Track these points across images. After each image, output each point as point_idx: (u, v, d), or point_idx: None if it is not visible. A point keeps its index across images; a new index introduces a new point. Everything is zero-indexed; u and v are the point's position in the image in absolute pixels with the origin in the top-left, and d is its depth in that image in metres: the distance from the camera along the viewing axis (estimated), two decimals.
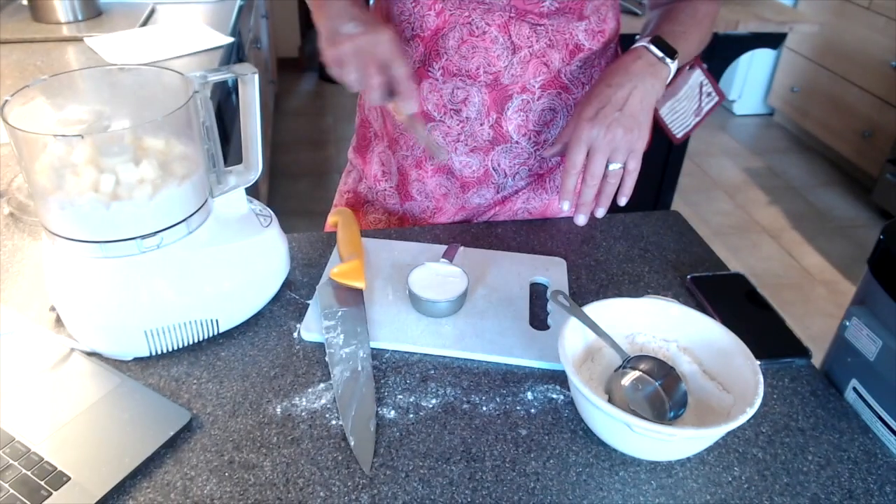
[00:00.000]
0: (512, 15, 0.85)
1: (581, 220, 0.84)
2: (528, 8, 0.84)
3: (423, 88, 0.92)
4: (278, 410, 0.68)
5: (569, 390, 0.71)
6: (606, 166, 0.81)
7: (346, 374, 0.71)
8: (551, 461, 0.64)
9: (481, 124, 0.93)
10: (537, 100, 0.92)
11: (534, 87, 0.91)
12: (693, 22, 0.88)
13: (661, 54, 0.82)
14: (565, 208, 0.83)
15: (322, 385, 0.70)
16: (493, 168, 0.97)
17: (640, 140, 0.80)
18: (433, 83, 0.91)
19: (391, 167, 1.04)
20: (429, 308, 0.79)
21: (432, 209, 1.03)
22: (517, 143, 0.95)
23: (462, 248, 0.90)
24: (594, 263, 0.91)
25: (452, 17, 0.86)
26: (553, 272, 0.87)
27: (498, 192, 1.01)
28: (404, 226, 1.06)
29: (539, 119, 0.94)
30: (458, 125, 0.93)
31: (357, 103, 1.10)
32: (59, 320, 0.75)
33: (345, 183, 1.13)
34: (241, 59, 1.89)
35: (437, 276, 0.81)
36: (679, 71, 0.87)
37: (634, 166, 0.82)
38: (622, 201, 0.83)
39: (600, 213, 0.84)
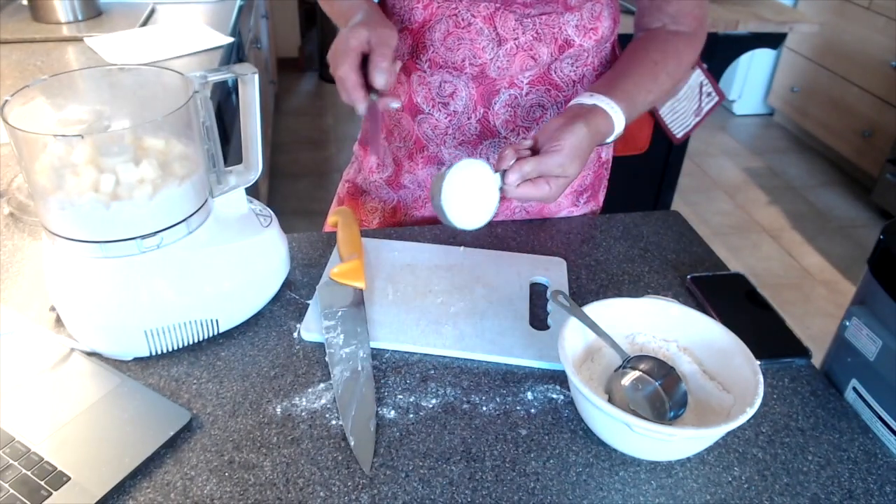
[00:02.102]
0: (497, 6, 0.86)
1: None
2: None
3: (412, 81, 0.93)
4: (278, 410, 0.68)
5: (569, 390, 0.71)
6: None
7: (346, 374, 0.71)
8: (551, 461, 0.64)
9: (468, 118, 0.93)
10: (525, 95, 0.92)
11: (521, 82, 0.91)
12: (670, 83, 0.87)
13: (608, 141, 0.81)
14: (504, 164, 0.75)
15: (322, 385, 0.70)
16: None
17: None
18: (421, 76, 0.92)
19: (387, 159, 1.05)
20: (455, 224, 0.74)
21: (424, 198, 1.04)
22: (505, 138, 0.95)
23: (462, 248, 0.90)
24: (594, 263, 0.91)
25: (439, 10, 0.87)
26: (553, 272, 0.87)
27: None
28: (397, 214, 1.08)
29: (527, 115, 0.94)
30: (445, 118, 0.94)
31: None
32: (59, 320, 0.75)
33: (347, 173, 1.16)
34: (241, 59, 1.89)
35: (470, 182, 0.73)
36: None
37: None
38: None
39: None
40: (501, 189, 0.74)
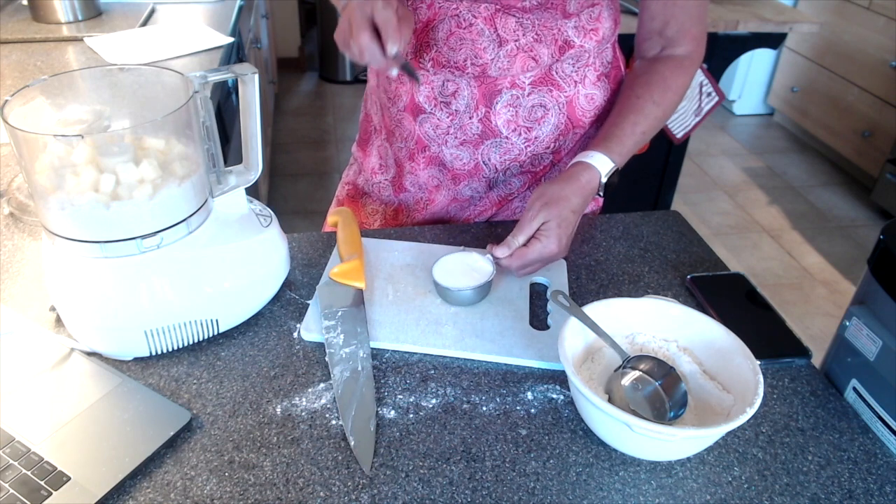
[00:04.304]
0: (498, 7, 0.86)
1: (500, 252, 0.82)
2: (511, 3, 0.86)
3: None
4: (278, 410, 0.68)
5: (569, 390, 0.71)
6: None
7: (346, 374, 0.71)
8: (551, 461, 0.64)
9: (470, 117, 0.94)
10: (527, 95, 0.92)
11: (523, 82, 0.91)
12: (659, 110, 0.91)
13: (601, 192, 0.87)
14: (498, 254, 0.82)
15: (322, 385, 0.70)
16: (483, 162, 0.98)
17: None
18: (424, 75, 0.92)
19: (388, 159, 1.05)
20: (454, 297, 0.80)
21: (425, 200, 1.04)
22: (507, 138, 0.95)
23: (462, 248, 0.90)
24: (594, 263, 0.91)
25: (442, 10, 0.88)
26: (553, 272, 0.87)
27: (491, 188, 1.02)
28: (399, 217, 1.08)
29: (529, 115, 0.94)
30: (447, 118, 0.94)
31: (362, 100, 1.12)
32: (59, 320, 0.75)
33: (346, 175, 1.16)
34: (241, 59, 1.89)
35: (463, 264, 0.83)
36: None
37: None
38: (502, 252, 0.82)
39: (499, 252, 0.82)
40: (498, 267, 0.82)
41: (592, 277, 0.89)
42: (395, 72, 0.78)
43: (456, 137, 0.96)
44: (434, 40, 0.90)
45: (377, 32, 0.75)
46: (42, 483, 0.58)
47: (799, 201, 3.12)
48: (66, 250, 0.67)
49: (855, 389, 0.71)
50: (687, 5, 0.90)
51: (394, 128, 1.01)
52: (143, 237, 0.67)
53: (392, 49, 0.75)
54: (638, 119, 0.89)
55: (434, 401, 0.69)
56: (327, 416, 0.67)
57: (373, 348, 0.75)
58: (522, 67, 0.90)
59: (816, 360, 0.77)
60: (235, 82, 0.83)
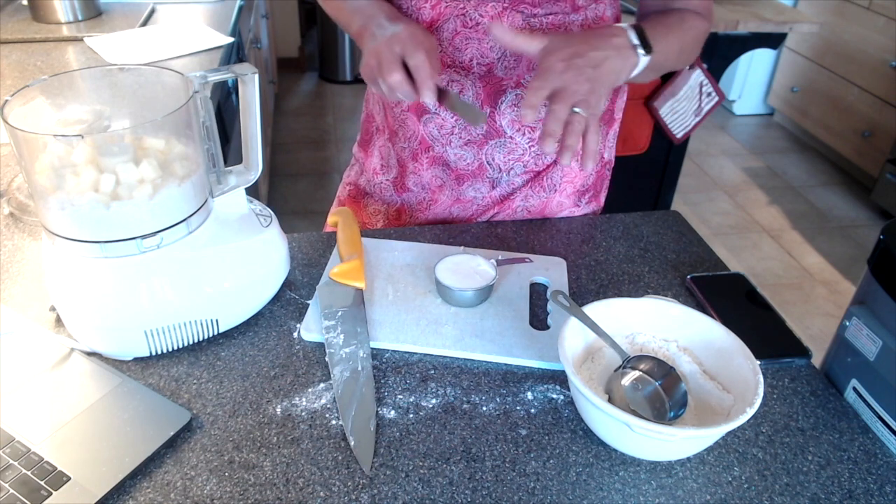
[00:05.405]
0: (505, 5, 0.86)
1: (567, 158, 0.72)
2: None
3: None
4: (278, 410, 0.68)
5: (569, 390, 0.71)
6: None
7: (346, 374, 0.71)
8: (551, 461, 0.64)
9: None
10: None
11: (528, 82, 0.91)
12: (679, 29, 0.86)
13: (636, 41, 0.77)
14: (528, 120, 0.73)
15: (322, 385, 0.70)
16: (486, 162, 0.98)
17: (600, 105, 0.73)
18: None
19: (390, 160, 1.05)
20: (455, 297, 0.80)
21: (428, 200, 1.04)
22: (511, 137, 0.95)
23: (463, 249, 0.90)
24: (594, 263, 0.91)
25: (447, 9, 0.88)
26: (553, 272, 0.87)
27: (494, 188, 1.01)
28: (401, 217, 1.07)
29: None
30: (452, 118, 0.95)
31: (363, 99, 1.12)
32: (59, 320, 0.75)
33: (348, 175, 1.16)
34: (241, 59, 1.89)
35: (466, 265, 0.83)
36: (675, 73, 0.86)
37: (593, 130, 0.74)
38: (588, 166, 0.74)
39: (588, 165, 0.74)
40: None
41: (592, 277, 0.89)
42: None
43: (460, 137, 0.96)
44: (439, 40, 0.89)
45: (407, 70, 0.77)
46: (42, 483, 0.58)
47: (799, 201, 3.12)
48: (66, 250, 0.67)
49: (855, 389, 0.71)
50: None
51: (397, 128, 1.01)
52: (143, 237, 0.67)
53: (429, 99, 0.77)
54: (678, 31, 0.85)
55: (434, 401, 0.69)
56: (327, 416, 0.67)
57: (373, 348, 0.75)
58: (528, 66, 0.90)
59: (816, 360, 0.77)
60: (235, 82, 0.83)
